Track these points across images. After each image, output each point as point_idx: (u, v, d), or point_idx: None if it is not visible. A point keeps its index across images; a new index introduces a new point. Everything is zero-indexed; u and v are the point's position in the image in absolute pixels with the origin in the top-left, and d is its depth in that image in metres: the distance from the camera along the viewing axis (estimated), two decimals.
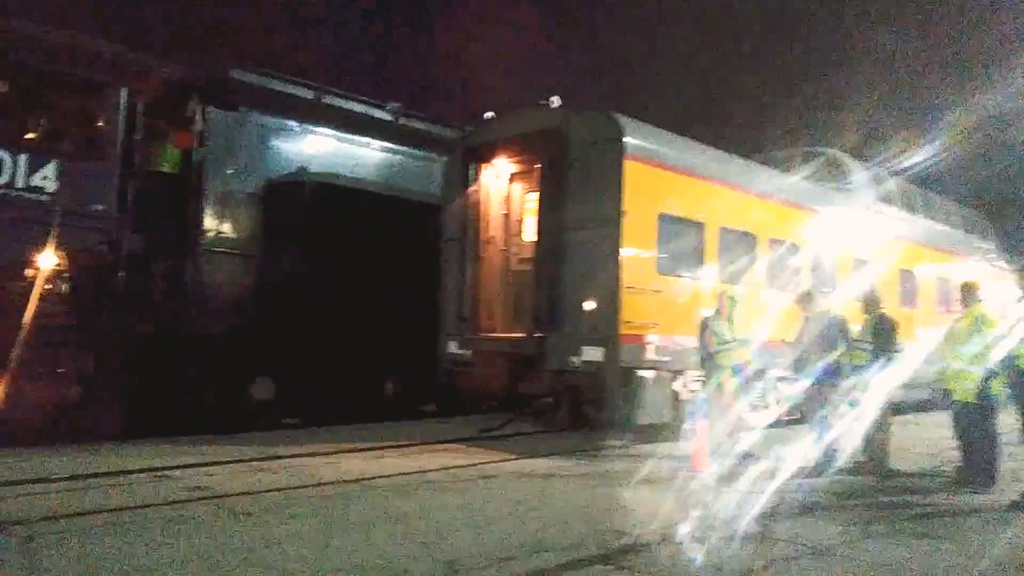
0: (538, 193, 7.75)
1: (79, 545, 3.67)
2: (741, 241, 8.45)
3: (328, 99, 9.25)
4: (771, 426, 7.59)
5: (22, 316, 6.43)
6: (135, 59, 7.49)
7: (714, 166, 8.35)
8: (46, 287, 6.65)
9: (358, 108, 9.60)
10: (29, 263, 6.62)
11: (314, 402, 8.75)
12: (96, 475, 5.16)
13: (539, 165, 7.77)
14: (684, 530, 4.24)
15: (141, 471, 5.36)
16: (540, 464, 6.18)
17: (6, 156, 6.54)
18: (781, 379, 7.97)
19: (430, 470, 5.80)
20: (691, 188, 7.93)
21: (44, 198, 6.75)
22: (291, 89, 8.93)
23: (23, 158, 6.65)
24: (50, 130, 6.88)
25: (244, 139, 8.37)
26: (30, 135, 6.77)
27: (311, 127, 9.07)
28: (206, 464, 5.67)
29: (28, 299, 6.51)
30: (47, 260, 6.68)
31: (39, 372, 6.66)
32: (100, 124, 7.17)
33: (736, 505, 4.82)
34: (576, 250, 7.35)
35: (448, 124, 10.53)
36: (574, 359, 7.17)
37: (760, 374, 7.40)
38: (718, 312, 6.82)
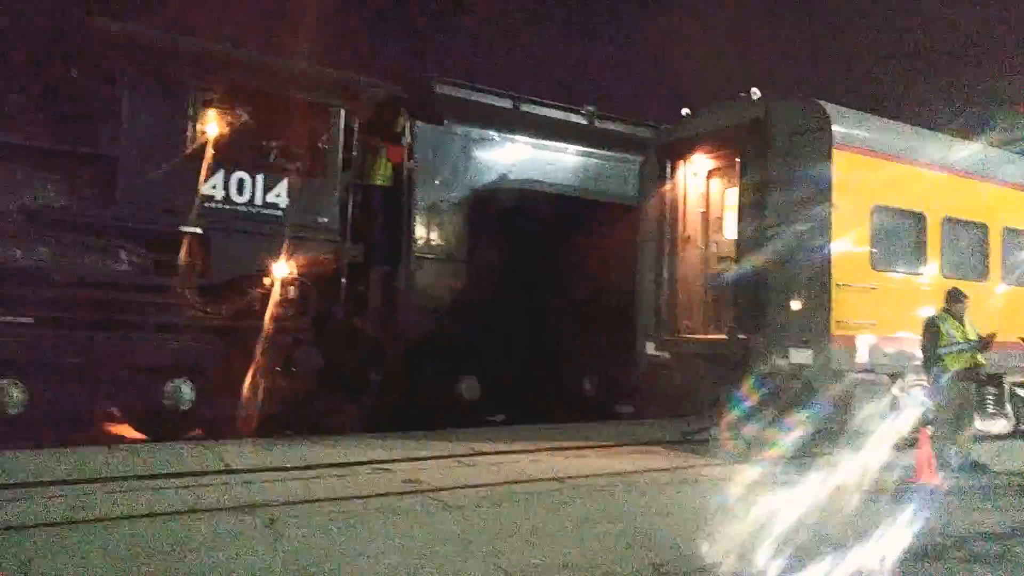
0: (738, 188, 7.50)
1: (312, 529, 4.07)
2: (969, 232, 7.68)
3: (525, 107, 9.53)
4: (1009, 437, 6.84)
5: (262, 319, 7.23)
6: (353, 81, 8.15)
7: (933, 150, 7.66)
8: (281, 293, 7.40)
9: (554, 114, 9.80)
10: (266, 271, 7.40)
11: (517, 401, 9.07)
12: (324, 465, 5.68)
13: (739, 159, 7.52)
14: (909, 546, 3.94)
15: (362, 463, 5.83)
16: (743, 471, 6.00)
17: (247, 177, 7.37)
18: (1020, 385, 7.16)
19: (632, 472, 5.82)
20: (908, 176, 7.33)
21: (278, 213, 7.52)
22: (490, 100, 9.29)
23: (260, 178, 7.45)
24: (281, 152, 7.64)
25: (449, 150, 8.82)
26: (265, 157, 7.56)
27: (510, 135, 9.37)
28: (419, 459, 6.06)
29: (266, 303, 7.30)
30: (281, 269, 7.44)
31: (276, 369, 7.43)
32: (323, 144, 7.87)
33: (970, 522, 4.41)
34: (781, 247, 7.03)
35: (642, 123, 10.46)
36: (780, 362, 6.87)
37: (995, 379, 6.69)
38: (945, 311, 6.26)
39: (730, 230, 7.79)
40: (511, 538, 4.00)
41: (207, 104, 7.23)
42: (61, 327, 6.50)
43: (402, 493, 4.94)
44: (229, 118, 7.31)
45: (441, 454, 6.27)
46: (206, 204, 7.12)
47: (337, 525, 4.15)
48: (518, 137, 9.45)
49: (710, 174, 8.26)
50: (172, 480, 5.04)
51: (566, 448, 6.76)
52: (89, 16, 6.78)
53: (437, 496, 4.87)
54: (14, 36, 6.56)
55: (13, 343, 6.22)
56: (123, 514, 4.14)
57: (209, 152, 7.11)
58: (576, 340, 9.33)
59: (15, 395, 6.18)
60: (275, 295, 7.33)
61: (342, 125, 7.97)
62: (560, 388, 9.48)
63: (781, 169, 7.08)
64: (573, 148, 9.90)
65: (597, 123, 10.09)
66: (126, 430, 7.21)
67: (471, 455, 6.31)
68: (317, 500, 4.68)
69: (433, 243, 8.73)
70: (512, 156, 9.40)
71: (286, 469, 5.51)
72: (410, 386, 8.49)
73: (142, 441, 7.01)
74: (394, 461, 5.94)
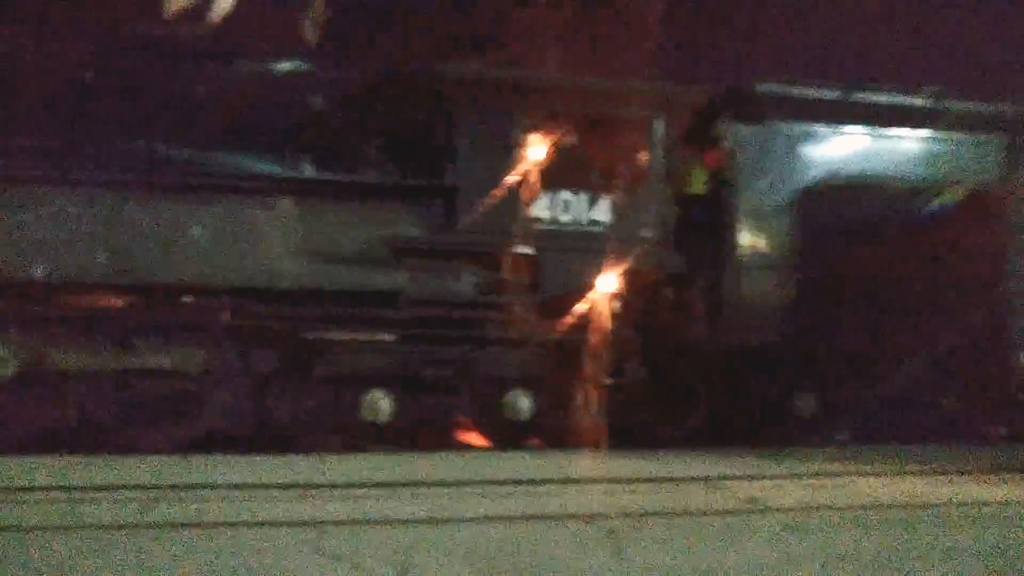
0: None
1: (653, 543, 4.00)
2: None
3: (856, 95, 8.72)
4: None
5: (590, 333, 7.43)
6: (667, 90, 8.12)
7: None
8: (607, 307, 7.55)
9: (889, 99, 8.85)
10: (592, 286, 7.59)
11: (863, 418, 8.26)
12: (658, 480, 5.62)
13: None
14: None
15: (695, 479, 5.68)
16: None
17: (571, 197, 7.66)
18: None
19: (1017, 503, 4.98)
20: None
21: (601, 230, 7.71)
22: (815, 91, 8.67)
23: (583, 197, 7.71)
24: (602, 169, 7.83)
25: (772, 151, 8.38)
26: (587, 176, 7.80)
27: (839, 127, 8.65)
28: (756, 477, 5.76)
29: (594, 318, 7.49)
30: (606, 283, 7.60)
31: (605, 382, 7.58)
32: (641, 157, 7.91)
33: None
34: None
35: (1006, 99, 9.02)
36: None
37: None
38: None
39: None
40: (871, 565, 3.59)
41: (532, 130, 7.64)
42: (418, 343, 7.30)
43: (743, 512, 4.71)
44: (552, 142, 7.65)
45: (780, 473, 5.90)
46: (535, 226, 7.51)
47: (678, 541, 4.06)
48: (849, 128, 8.68)
49: None
50: (514, 487, 5.32)
51: (924, 472, 6.00)
52: (430, 61, 7.56)
53: (783, 518, 4.55)
54: (370, 88, 7.50)
55: (380, 358, 7.12)
56: (474, 516, 4.43)
57: (536, 176, 7.51)
58: (929, 349, 8.27)
59: (385, 405, 7.05)
60: (601, 309, 7.50)
61: (659, 136, 7.96)
62: (910, 403, 8.47)
63: None
64: (914, 134, 8.85)
65: (942, 103, 8.92)
66: (473, 438, 7.84)
67: (814, 475, 5.85)
68: (654, 514, 4.63)
69: (759, 250, 8.33)
70: (843, 150, 8.63)
71: (621, 481, 5.57)
72: (737, 399, 8.18)
73: (486, 449, 7.57)
74: (730, 478, 5.71)
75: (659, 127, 7.93)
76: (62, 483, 4.82)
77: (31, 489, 4.63)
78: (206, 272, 6.73)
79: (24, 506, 4.28)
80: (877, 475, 5.90)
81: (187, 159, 6.80)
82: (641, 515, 4.59)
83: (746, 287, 8.19)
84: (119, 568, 3.11)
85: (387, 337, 7.31)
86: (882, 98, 8.81)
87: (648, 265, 7.82)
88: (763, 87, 8.46)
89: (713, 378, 8.15)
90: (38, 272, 6.52)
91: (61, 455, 6.00)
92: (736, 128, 8.22)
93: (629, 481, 5.56)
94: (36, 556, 3.26)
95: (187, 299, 6.86)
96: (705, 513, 4.67)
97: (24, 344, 6.54)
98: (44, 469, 5.40)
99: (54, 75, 6.75)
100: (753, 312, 8.17)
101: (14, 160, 6.53)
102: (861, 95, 8.73)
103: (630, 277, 7.66)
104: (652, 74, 8.74)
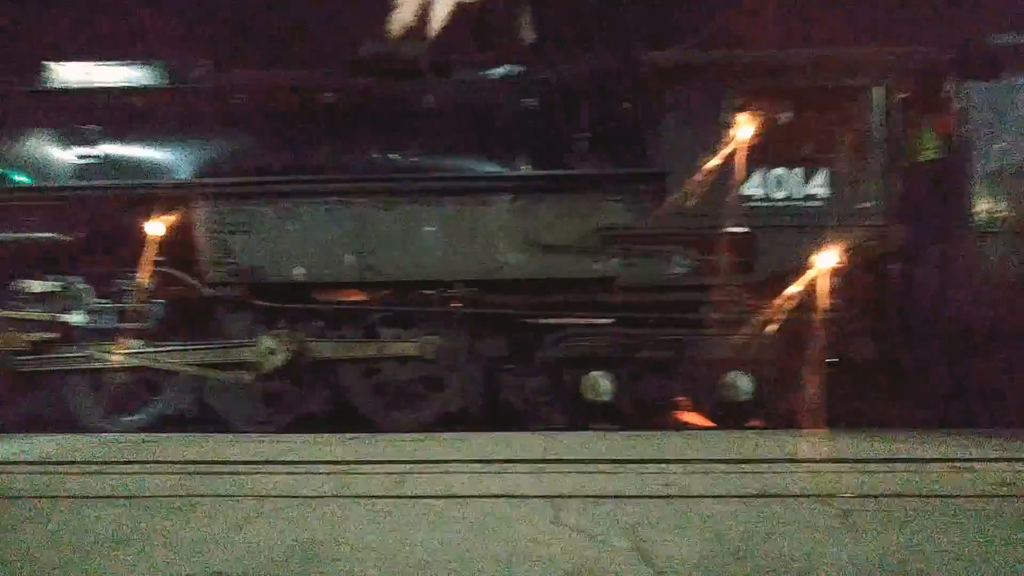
0: None
1: (891, 525, 3.95)
2: None
3: None
4: None
5: (811, 311, 7.26)
6: (887, 54, 7.67)
7: None
8: (827, 284, 7.33)
9: None
10: (811, 263, 7.39)
11: None
12: (895, 460, 5.44)
13: None
14: None
15: (937, 460, 5.44)
16: None
17: (785, 173, 7.50)
18: None
19: None
20: None
21: (818, 204, 7.48)
22: None
23: (797, 172, 7.51)
24: (817, 143, 7.58)
25: (1012, 108, 7.67)
26: (800, 151, 7.59)
27: None
28: (1009, 459, 5.42)
29: (814, 295, 7.31)
30: (825, 259, 7.36)
31: (828, 360, 7.38)
32: (860, 127, 7.57)
33: None
34: None
35: None
36: None
37: None
38: None
39: None
40: None
41: (740, 109, 7.54)
42: (634, 326, 7.55)
43: (995, 496, 4.48)
44: (761, 119, 7.50)
45: None
46: (748, 204, 7.45)
47: (918, 524, 3.97)
48: None
49: None
50: (740, 465, 5.39)
51: None
52: (641, 50, 7.69)
53: None
54: (579, 84, 7.76)
55: (599, 341, 7.47)
56: (703, 493, 4.57)
57: (746, 155, 7.42)
58: None
59: (605, 385, 7.37)
60: (822, 286, 7.30)
61: (879, 103, 7.57)
62: None
63: None
64: None
65: None
66: (693, 418, 7.94)
67: None
68: (892, 495, 4.53)
69: (996, 215, 7.67)
70: None
71: (852, 461, 5.45)
72: (974, 378, 7.61)
73: (709, 428, 7.66)
74: (977, 460, 5.41)
75: (877, 94, 7.55)
76: (329, 458, 5.55)
77: (314, 462, 5.40)
78: (441, 267, 7.39)
79: (308, 476, 5.00)
80: None
81: (419, 166, 7.47)
82: (877, 496, 4.52)
83: (983, 258, 7.59)
84: (381, 532, 3.59)
85: (605, 321, 7.62)
86: None
87: (872, 239, 7.48)
88: (998, 39, 7.75)
89: (949, 356, 7.65)
90: (299, 274, 7.48)
91: (322, 434, 6.86)
92: (967, 87, 7.61)
93: (861, 461, 5.43)
94: (313, 518, 3.86)
95: (426, 292, 7.58)
96: (948, 496, 4.50)
97: (291, 337, 7.54)
98: (312, 447, 6.19)
99: (306, 101, 7.68)
100: (991, 285, 7.56)
101: (277, 178, 7.52)
102: None
103: (853, 252, 7.37)
104: (871, 40, 8.27)
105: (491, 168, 7.52)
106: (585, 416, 7.52)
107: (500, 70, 7.72)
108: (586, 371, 7.43)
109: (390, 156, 7.50)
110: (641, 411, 7.57)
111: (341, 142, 7.58)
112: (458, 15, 8.23)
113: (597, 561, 3.00)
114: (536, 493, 4.34)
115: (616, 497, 4.37)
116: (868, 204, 7.53)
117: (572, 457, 5.40)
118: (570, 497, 4.25)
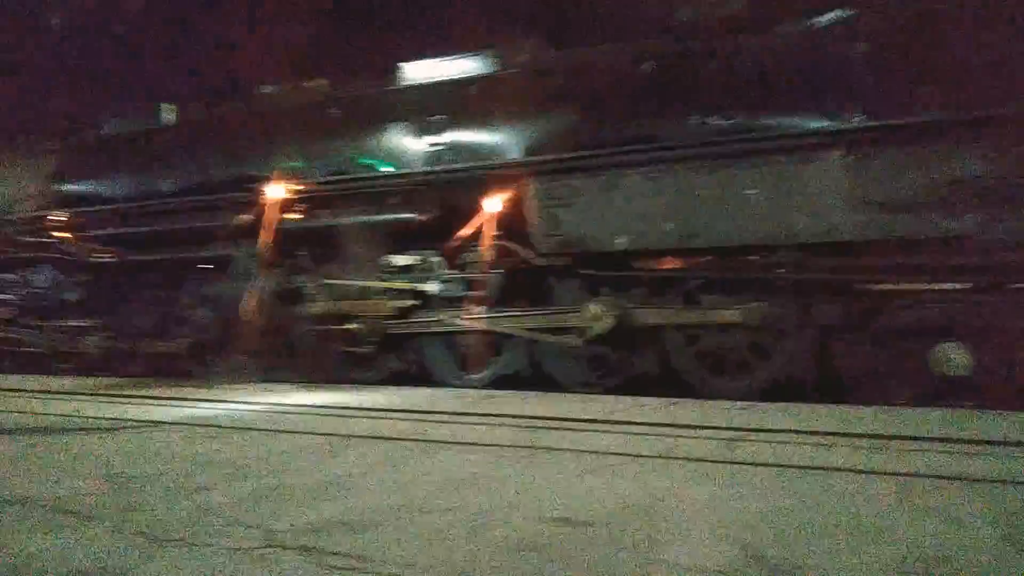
0: None
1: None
2: None
3: None
4: None
5: None
6: None
7: None
8: None
9: None
10: None
11: None
12: None
13: None
14: None
15: None
16: None
17: None
18: None
19: None
20: None
21: None
22: None
23: None
24: None
25: None
26: None
27: None
28: None
29: None
30: None
31: None
32: None
33: None
34: None
35: None
36: None
37: None
38: None
39: None
40: None
41: None
42: (992, 292, 6.62)
43: None
44: None
45: None
46: None
47: None
48: None
49: None
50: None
51: None
52: None
53: None
54: (914, 21, 6.89)
55: (952, 308, 6.67)
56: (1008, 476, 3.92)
57: None
58: None
59: (958, 358, 6.57)
60: None
61: None
62: None
63: None
64: None
65: None
66: None
67: None
68: None
69: None
70: None
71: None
72: None
73: None
74: None
75: None
76: (654, 420, 5.69)
77: (641, 423, 5.60)
78: (766, 230, 7.13)
79: (640, 437, 5.19)
80: None
81: (739, 127, 7.23)
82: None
83: None
84: (711, 495, 3.58)
85: (956, 286, 6.80)
86: None
87: None
88: None
89: None
90: (622, 242, 7.71)
91: (646, 397, 7.04)
92: None
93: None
94: (645, 475, 4.01)
95: (750, 258, 7.38)
96: None
97: (615, 304, 7.83)
98: (636, 409, 6.39)
99: (626, 75, 7.83)
100: None
101: (599, 150, 7.79)
102: None
103: None
104: None
105: (819, 123, 6.98)
106: (934, 390, 6.79)
107: (823, 17, 7.13)
108: (934, 342, 6.70)
109: (708, 120, 7.33)
110: (1006, 387, 6.64)
111: (661, 110, 7.61)
112: None
113: (961, 547, 2.73)
114: (881, 470, 4.07)
115: (974, 481, 3.92)
116: None
117: (917, 435, 4.96)
118: (923, 476, 3.92)
